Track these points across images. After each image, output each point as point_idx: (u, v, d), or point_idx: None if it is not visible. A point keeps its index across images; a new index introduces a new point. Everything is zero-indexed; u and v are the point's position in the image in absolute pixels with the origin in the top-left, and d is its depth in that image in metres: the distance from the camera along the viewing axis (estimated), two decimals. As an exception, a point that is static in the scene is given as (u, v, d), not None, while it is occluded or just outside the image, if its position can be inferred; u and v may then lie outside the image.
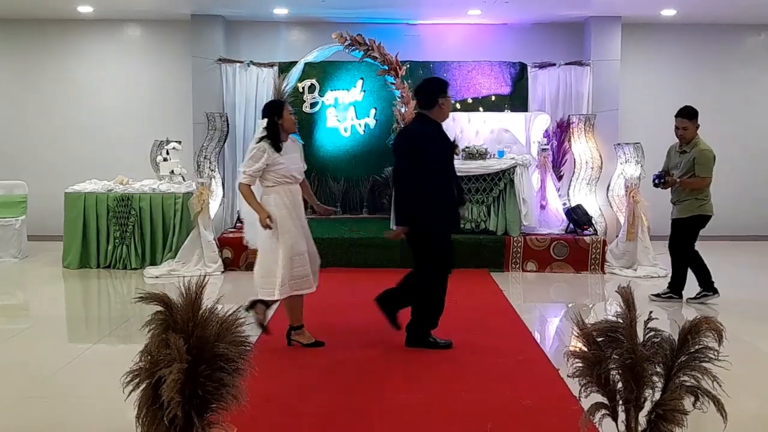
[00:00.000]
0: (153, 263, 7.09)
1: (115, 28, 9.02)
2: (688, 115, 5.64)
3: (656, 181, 5.67)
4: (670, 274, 5.90)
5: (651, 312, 2.18)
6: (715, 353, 2.07)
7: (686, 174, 5.53)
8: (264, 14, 8.70)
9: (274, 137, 4.31)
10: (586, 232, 7.27)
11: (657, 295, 5.76)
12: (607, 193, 7.56)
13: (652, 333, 2.10)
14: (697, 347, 2.06)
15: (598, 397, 2.19)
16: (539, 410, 3.41)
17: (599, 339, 2.12)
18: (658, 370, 2.07)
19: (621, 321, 2.11)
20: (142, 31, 9.09)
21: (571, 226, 7.36)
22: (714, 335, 2.06)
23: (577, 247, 7.06)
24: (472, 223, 7.27)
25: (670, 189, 5.68)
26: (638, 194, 7.08)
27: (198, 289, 2.22)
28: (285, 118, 4.36)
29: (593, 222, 7.41)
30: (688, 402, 2.06)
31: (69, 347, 4.78)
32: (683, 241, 5.67)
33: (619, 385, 2.10)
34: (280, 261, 4.24)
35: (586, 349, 2.12)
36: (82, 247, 7.10)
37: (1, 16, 8.82)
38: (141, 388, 2.14)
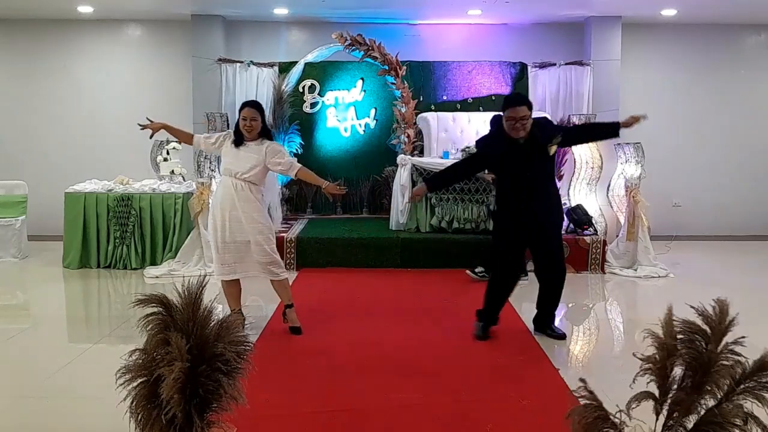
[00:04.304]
0: (153, 263, 7.09)
1: (115, 28, 9.02)
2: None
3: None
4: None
5: (744, 336, 2.07)
6: None
7: None
8: (264, 14, 8.70)
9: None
10: (586, 232, 7.27)
11: (474, 272, 6.51)
12: (608, 193, 7.56)
13: (730, 351, 2.02)
14: None
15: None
16: (539, 410, 3.41)
17: (679, 336, 2.05)
18: (725, 383, 1.97)
19: (708, 328, 2.03)
20: (142, 31, 9.09)
21: (571, 226, 7.35)
22: None
23: (577, 247, 7.06)
24: (471, 223, 7.27)
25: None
26: (638, 194, 7.08)
27: (198, 289, 2.22)
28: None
29: (593, 222, 7.41)
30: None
31: (69, 347, 4.78)
32: None
33: (675, 386, 2.02)
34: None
35: (663, 338, 2.04)
36: (82, 247, 7.10)
37: (1, 16, 8.82)
38: (136, 385, 2.13)
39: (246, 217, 4.61)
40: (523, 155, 4.41)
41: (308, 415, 3.34)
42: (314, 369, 4.02)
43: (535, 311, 4.85)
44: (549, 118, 4.71)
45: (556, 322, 4.87)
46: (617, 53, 8.72)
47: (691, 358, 1.98)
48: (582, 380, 2.00)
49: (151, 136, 4.88)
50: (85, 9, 8.37)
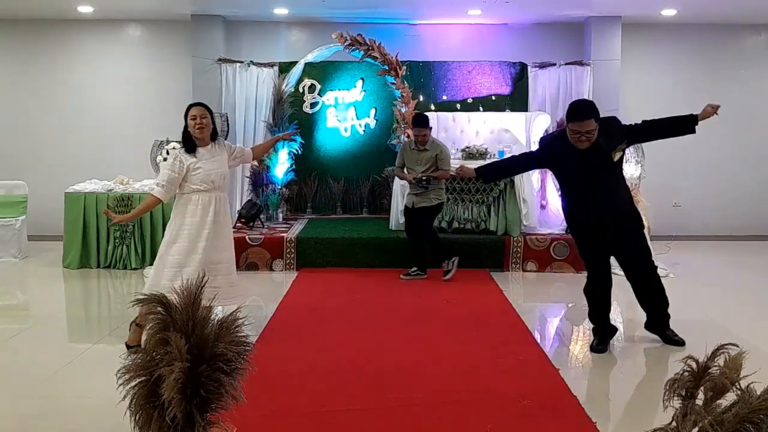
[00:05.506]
0: (153, 263, 7.08)
1: (115, 28, 9.02)
2: (426, 124, 6.34)
3: (423, 183, 6.29)
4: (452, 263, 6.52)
5: None
6: None
7: (428, 168, 6.31)
8: (264, 14, 8.70)
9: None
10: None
11: (407, 275, 6.56)
12: (607, 193, 7.55)
13: None
14: None
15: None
16: (539, 410, 3.40)
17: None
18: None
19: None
20: (142, 31, 9.09)
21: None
22: None
23: (578, 247, 7.05)
24: (472, 223, 7.27)
25: (410, 183, 6.42)
26: (638, 194, 7.07)
27: (197, 289, 2.22)
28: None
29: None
30: None
31: (69, 347, 4.78)
32: (431, 224, 6.59)
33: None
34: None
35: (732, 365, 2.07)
36: (82, 247, 7.10)
37: (1, 16, 8.82)
38: (135, 385, 2.13)
39: (224, 232, 4.43)
40: (585, 165, 4.13)
41: (308, 415, 3.34)
42: (314, 369, 4.02)
43: (645, 316, 4.67)
44: (617, 118, 4.38)
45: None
46: (617, 53, 8.72)
47: (747, 394, 2.01)
48: (733, 345, 2.01)
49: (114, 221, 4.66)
50: (85, 9, 8.37)
